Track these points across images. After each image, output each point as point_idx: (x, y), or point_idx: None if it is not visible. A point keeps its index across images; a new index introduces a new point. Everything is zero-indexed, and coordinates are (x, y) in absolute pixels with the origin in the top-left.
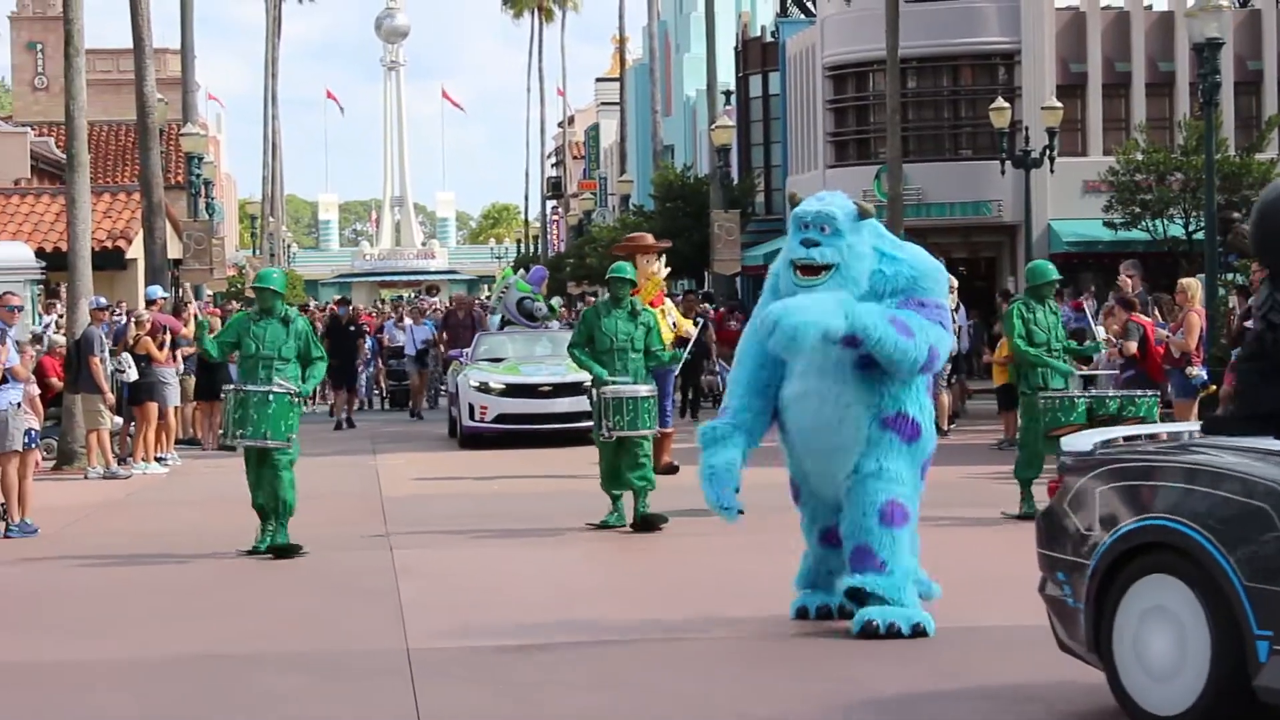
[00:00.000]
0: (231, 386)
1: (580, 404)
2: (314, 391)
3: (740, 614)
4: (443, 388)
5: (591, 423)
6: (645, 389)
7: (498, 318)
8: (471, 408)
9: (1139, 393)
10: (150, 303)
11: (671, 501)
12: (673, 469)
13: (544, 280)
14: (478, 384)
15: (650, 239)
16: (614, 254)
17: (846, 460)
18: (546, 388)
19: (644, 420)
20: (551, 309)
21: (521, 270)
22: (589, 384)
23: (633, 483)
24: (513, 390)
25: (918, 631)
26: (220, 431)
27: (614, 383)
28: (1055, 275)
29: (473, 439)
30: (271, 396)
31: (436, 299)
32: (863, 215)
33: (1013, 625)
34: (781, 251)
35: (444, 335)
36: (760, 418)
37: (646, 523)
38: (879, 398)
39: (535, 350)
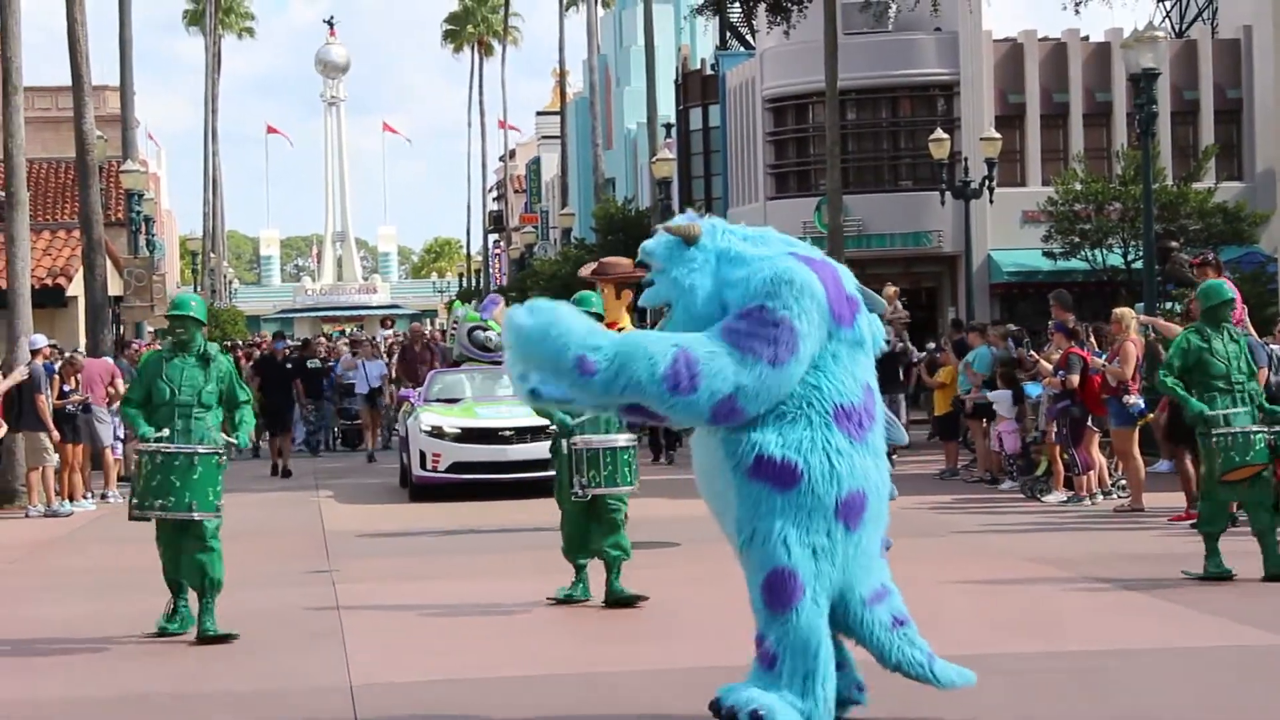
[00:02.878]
0: (148, 447)
1: (547, 449)
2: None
3: (695, 647)
4: (396, 429)
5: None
6: (624, 438)
7: (455, 353)
8: (423, 455)
9: None
10: (35, 352)
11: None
12: None
13: (497, 308)
14: (430, 428)
15: (629, 264)
16: (590, 283)
17: (730, 525)
18: (507, 432)
19: (624, 475)
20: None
21: (474, 301)
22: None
23: (606, 552)
24: (469, 435)
25: None
26: (133, 500)
27: (582, 429)
28: (1231, 294)
29: (425, 490)
30: (197, 459)
31: (390, 331)
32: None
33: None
34: None
35: (397, 371)
36: None
37: (621, 602)
38: (737, 440)
39: (495, 389)
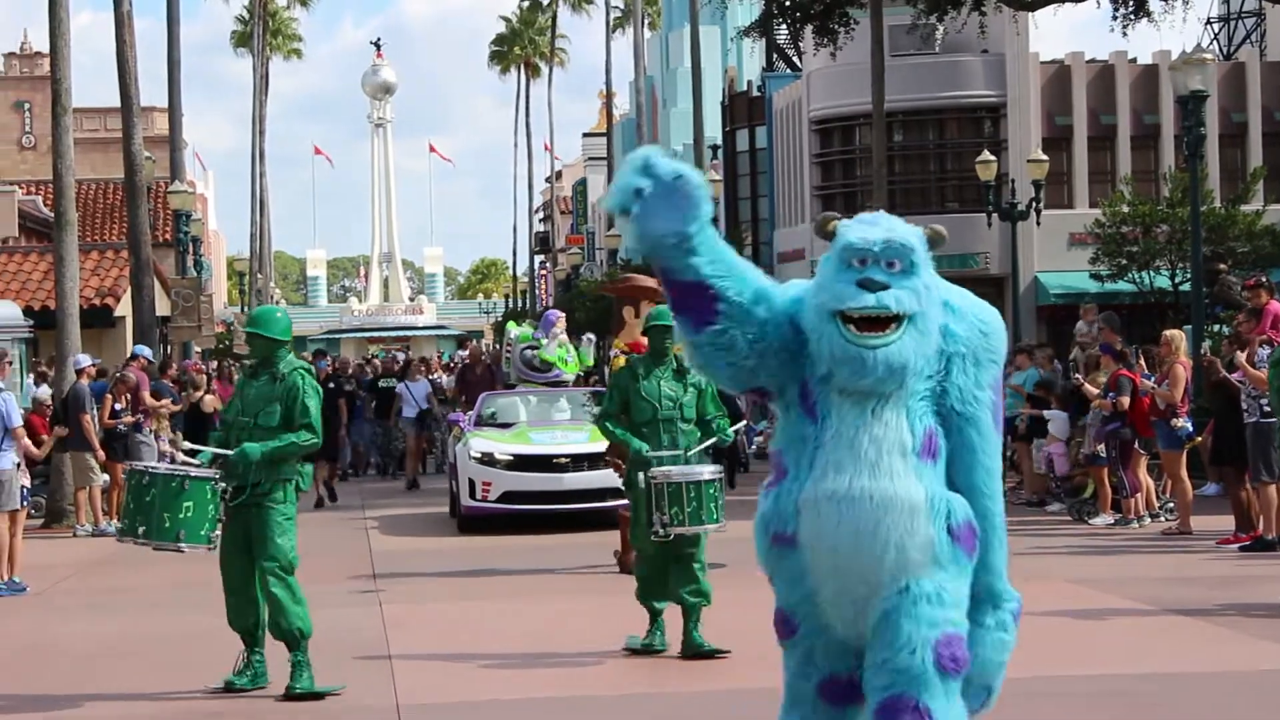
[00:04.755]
0: (139, 467)
1: (607, 478)
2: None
3: (741, 670)
4: (436, 451)
5: (620, 502)
6: (708, 471)
7: (511, 376)
8: (472, 484)
9: None
10: (79, 372)
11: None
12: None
13: (555, 324)
14: (480, 455)
15: (654, 281)
16: (608, 294)
17: (895, 576)
18: (563, 459)
19: (710, 512)
20: (580, 355)
21: (526, 320)
22: None
23: (684, 599)
24: (521, 462)
25: None
26: (120, 522)
27: (660, 460)
28: None
29: (474, 521)
30: (189, 483)
31: (466, 351)
32: (933, 245)
33: None
34: (812, 296)
35: (454, 393)
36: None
37: (700, 655)
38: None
39: (552, 413)
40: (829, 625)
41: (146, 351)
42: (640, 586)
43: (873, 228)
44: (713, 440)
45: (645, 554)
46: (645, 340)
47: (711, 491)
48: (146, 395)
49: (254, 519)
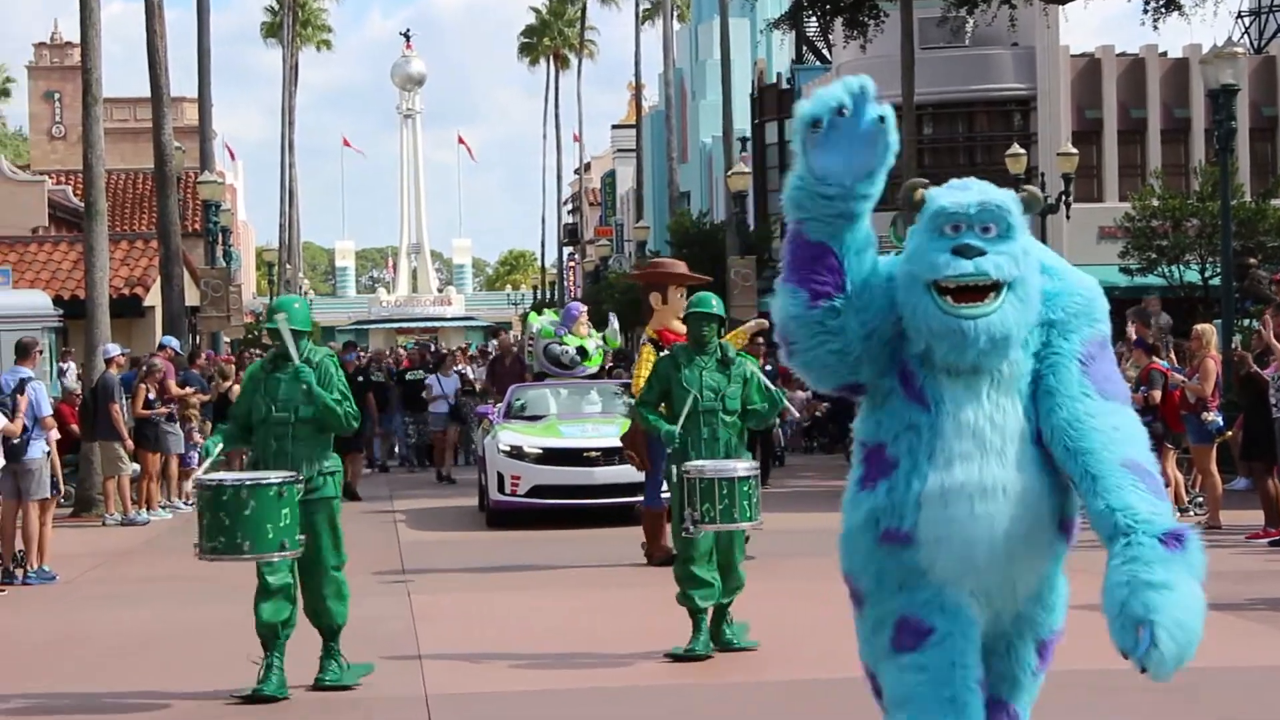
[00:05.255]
0: (214, 479)
1: (637, 472)
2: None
3: (775, 662)
4: (472, 447)
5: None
6: (743, 466)
7: (534, 367)
8: (501, 478)
9: None
10: (108, 361)
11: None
12: (673, 558)
13: (578, 318)
14: (508, 448)
15: (684, 267)
16: (635, 280)
17: (1019, 572)
18: (593, 453)
19: (744, 510)
20: (606, 340)
21: (549, 311)
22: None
23: (721, 601)
24: (551, 456)
25: None
26: (196, 542)
27: (697, 455)
28: None
29: (503, 515)
30: (285, 490)
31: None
32: (1029, 208)
33: None
34: (903, 266)
35: (485, 385)
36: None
37: (730, 650)
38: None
39: (583, 406)
40: (974, 620)
41: (174, 342)
42: (680, 592)
43: (965, 192)
44: (778, 409)
45: (683, 554)
46: (675, 327)
47: (746, 489)
48: (172, 385)
49: (313, 515)
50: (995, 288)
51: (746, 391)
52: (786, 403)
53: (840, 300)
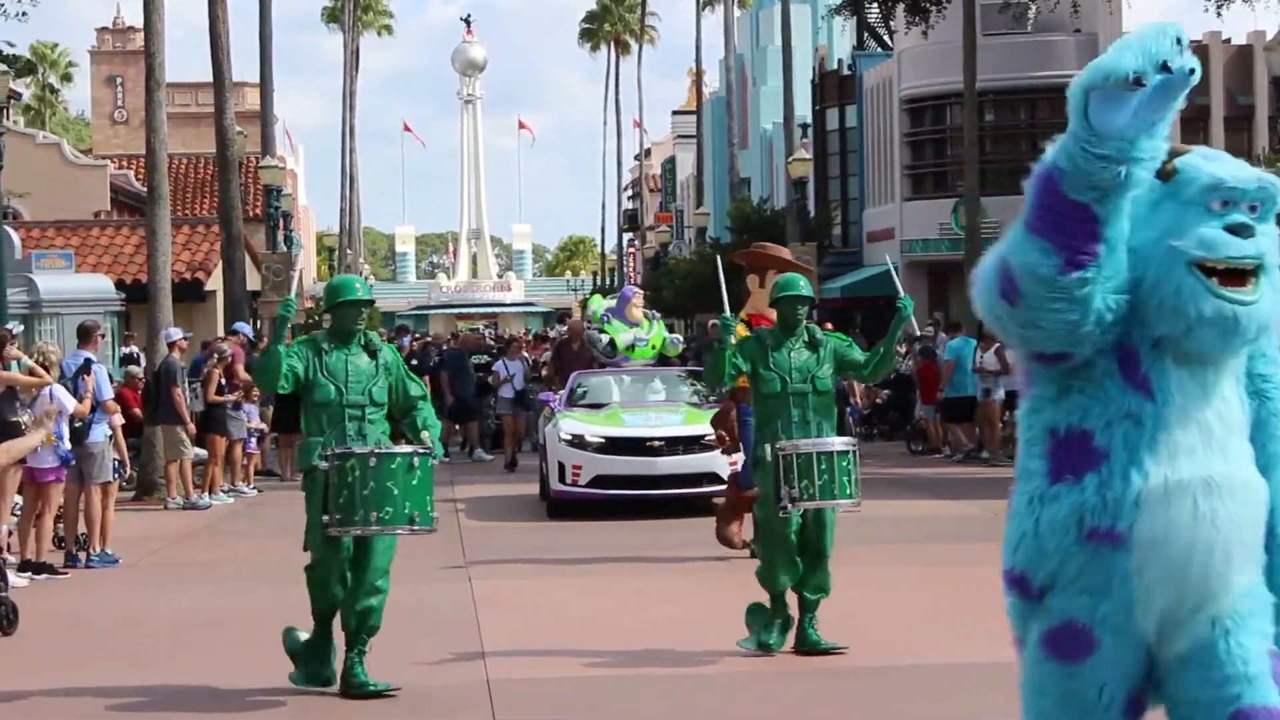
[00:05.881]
0: (341, 451)
1: (703, 463)
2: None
3: (858, 651)
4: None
5: (715, 488)
6: (840, 441)
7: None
8: (562, 467)
9: None
10: (170, 345)
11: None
12: (733, 546)
13: (630, 300)
14: (570, 437)
15: (788, 254)
16: (740, 261)
17: (1236, 578)
18: (657, 442)
19: (843, 486)
20: (664, 345)
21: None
22: (712, 437)
23: (804, 594)
24: (613, 445)
25: None
26: (330, 516)
27: (789, 435)
28: None
29: (564, 506)
30: (416, 460)
31: (565, 327)
32: None
33: None
34: (1157, 240)
35: (550, 370)
36: None
37: (817, 652)
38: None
39: (646, 393)
40: (1138, 639)
41: (246, 328)
42: (763, 568)
43: (1236, 165)
44: (901, 323)
45: (773, 533)
46: (768, 313)
47: (844, 464)
48: (240, 369)
49: None
50: (1255, 271)
51: (842, 360)
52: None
53: (1092, 270)
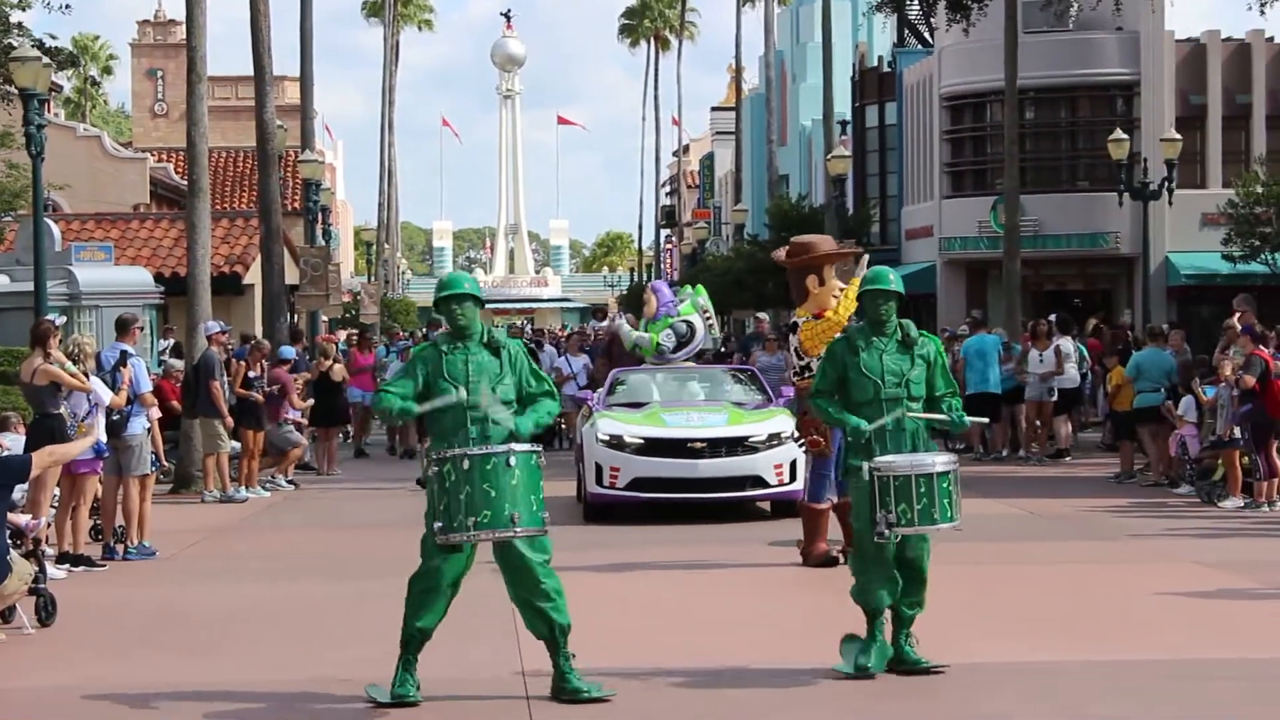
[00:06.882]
0: (444, 454)
1: (746, 465)
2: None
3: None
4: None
5: (758, 491)
6: (942, 460)
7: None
8: (599, 469)
9: None
10: (209, 338)
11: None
12: (830, 560)
13: (663, 292)
14: (607, 437)
15: (831, 242)
16: (785, 265)
17: None
18: (698, 443)
19: (944, 509)
20: (696, 311)
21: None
22: (757, 438)
23: (900, 608)
24: (652, 446)
25: None
26: (440, 523)
27: (884, 449)
28: None
29: (601, 509)
30: (513, 459)
31: (604, 324)
32: None
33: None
34: None
35: (598, 369)
36: None
37: (914, 670)
38: None
39: (687, 393)
40: None
41: (291, 353)
42: (858, 587)
43: None
44: (940, 417)
45: (866, 553)
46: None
47: (945, 485)
48: (296, 399)
49: None
50: None
51: (931, 375)
52: (967, 419)
53: None
